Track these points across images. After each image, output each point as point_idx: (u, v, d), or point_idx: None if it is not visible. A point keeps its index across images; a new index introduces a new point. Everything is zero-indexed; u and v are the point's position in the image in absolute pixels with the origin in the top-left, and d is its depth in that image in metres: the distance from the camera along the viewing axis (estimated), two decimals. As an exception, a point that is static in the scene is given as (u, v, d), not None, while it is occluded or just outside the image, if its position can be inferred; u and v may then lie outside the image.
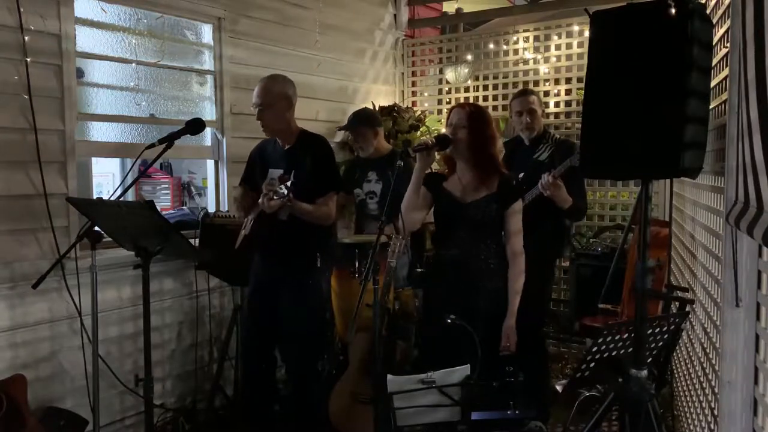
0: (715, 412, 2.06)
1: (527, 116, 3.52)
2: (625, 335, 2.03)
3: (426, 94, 5.69)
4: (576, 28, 4.82)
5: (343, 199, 4.11)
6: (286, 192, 2.79)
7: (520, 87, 4.86)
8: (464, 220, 2.76)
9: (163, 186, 5.11)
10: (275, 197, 2.79)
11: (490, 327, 2.70)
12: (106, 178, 4.74)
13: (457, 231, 2.79)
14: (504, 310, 2.72)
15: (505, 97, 5.04)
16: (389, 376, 2.34)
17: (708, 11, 2.27)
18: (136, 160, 3.16)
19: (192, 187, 5.23)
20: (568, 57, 4.89)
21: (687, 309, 2.59)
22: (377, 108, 5.04)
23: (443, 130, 5.20)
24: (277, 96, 3.09)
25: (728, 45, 1.99)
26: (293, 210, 2.94)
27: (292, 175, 2.90)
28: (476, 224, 2.75)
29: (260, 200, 2.87)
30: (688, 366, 2.94)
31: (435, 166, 3.07)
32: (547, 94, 4.98)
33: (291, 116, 3.18)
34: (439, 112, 5.55)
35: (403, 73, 5.66)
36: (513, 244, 2.77)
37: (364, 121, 3.93)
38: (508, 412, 2.43)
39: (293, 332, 3.17)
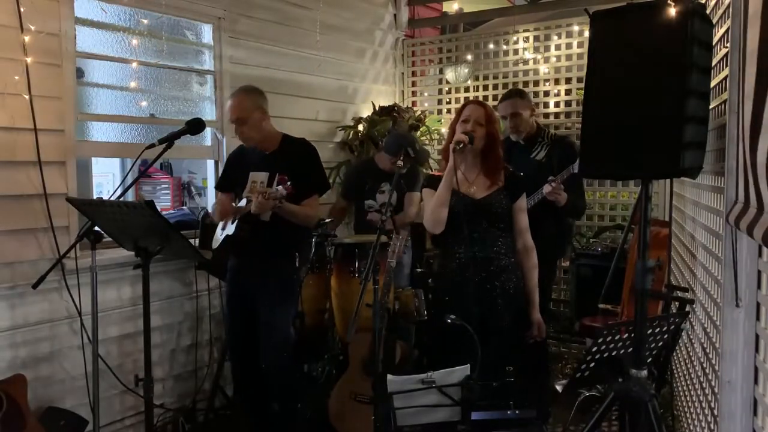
0: (715, 412, 2.06)
1: (511, 120, 3.52)
2: (625, 335, 2.03)
3: (426, 94, 5.69)
4: (576, 28, 4.82)
5: (344, 204, 4.07)
6: (285, 193, 2.79)
7: (520, 87, 4.86)
8: (481, 217, 2.77)
9: (163, 186, 5.11)
10: (273, 197, 2.78)
11: (515, 320, 2.77)
12: (106, 178, 4.74)
13: (474, 228, 2.77)
14: (523, 304, 2.81)
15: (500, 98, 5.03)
16: (389, 376, 2.34)
17: (708, 11, 2.27)
18: (136, 160, 3.16)
19: (192, 187, 5.22)
20: (568, 57, 4.89)
21: (687, 309, 2.59)
22: (377, 108, 5.05)
23: (443, 130, 5.26)
24: (250, 108, 3.11)
25: (728, 45, 1.99)
26: (281, 211, 2.94)
27: (277, 175, 2.90)
28: (493, 219, 2.77)
29: (254, 200, 2.86)
30: (688, 366, 2.94)
31: (436, 166, 3.07)
32: (547, 94, 4.99)
33: (267, 124, 3.20)
34: (439, 112, 5.55)
35: (403, 73, 5.66)
36: (525, 239, 2.84)
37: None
38: (508, 412, 2.43)
39: (273, 330, 3.16)
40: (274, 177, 3.03)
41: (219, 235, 3.15)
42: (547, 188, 3.21)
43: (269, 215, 3.00)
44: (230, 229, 3.04)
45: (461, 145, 2.68)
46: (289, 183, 2.81)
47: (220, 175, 3.42)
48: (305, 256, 3.31)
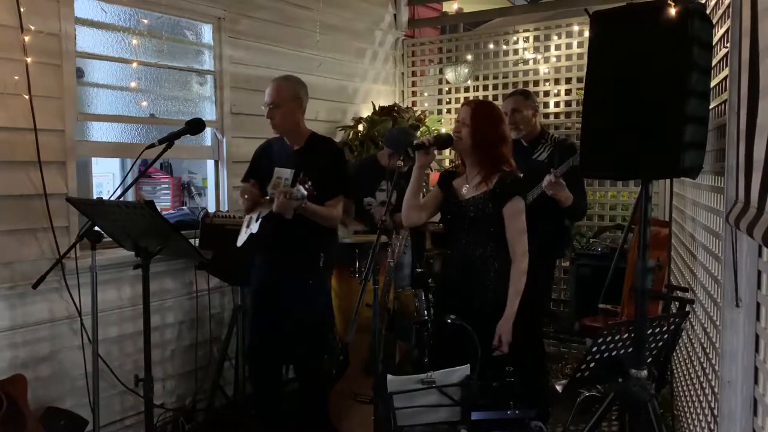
0: (715, 412, 2.06)
1: (510, 117, 3.53)
2: (625, 335, 2.03)
3: (426, 94, 5.69)
4: (576, 28, 4.82)
5: (349, 206, 4.06)
6: (306, 194, 2.79)
7: (520, 87, 4.86)
8: (461, 218, 2.74)
9: (163, 186, 5.10)
10: (293, 197, 2.79)
11: (489, 328, 2.67)
12: (106, 178, 4.73)
13: (457, 229, 2.78)
14: (503, 311, 2.68)
15: (505, 97, 5.04)
16: (389, 376, 2.34)
17: (708, 11, 2.27)
18: (136, 160, 3.16)
19: (192, 187, 5.22)
20: (568, 57, 4.90)
21: (687, 309, 2.59)
22: (377, 108, 5.05)
23: (443, 130, 5.26)
24: (287, 97, 3.10)
25: (728, 45, 1.99)
26: (304, 211, 2.94)
27: (301, 175, 2.91)
28: (472, 222, 2.71)
29: (276, 200, 2.86)
30: (688, 366, 2.94)
31: (436, 166, 3.07)
32: (547, 94, 4.99)
33: (301, 117, 3.19)
34: (439, 112, 5.56)
35: (403, 73, 5.66)
36: (514, 245, 2.68)
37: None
38: (508, 412, 2.43)
39: (300, 332, 3.18)
40: (299, 175, 3.04)
41: (243, 234, 3.15)
42: (546, 181, 3.19)
43: (291, 214, 3.01)
44: (254, 227, 3.05)
45: (420, 146, 2.69)
46: (309, 184, 2.81)
47: (247, 168, 3.41)
48: (330, 257, 3.30)
